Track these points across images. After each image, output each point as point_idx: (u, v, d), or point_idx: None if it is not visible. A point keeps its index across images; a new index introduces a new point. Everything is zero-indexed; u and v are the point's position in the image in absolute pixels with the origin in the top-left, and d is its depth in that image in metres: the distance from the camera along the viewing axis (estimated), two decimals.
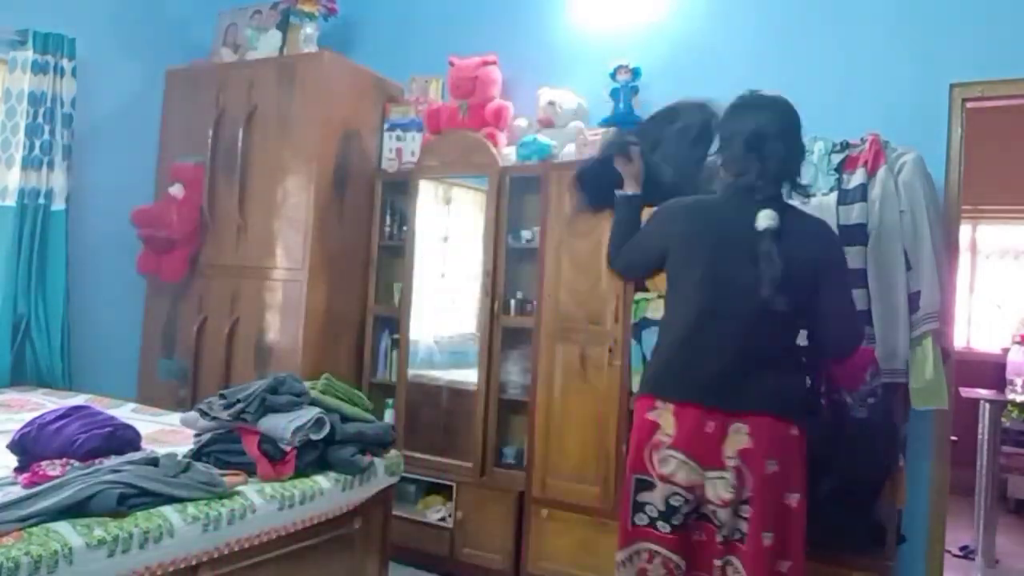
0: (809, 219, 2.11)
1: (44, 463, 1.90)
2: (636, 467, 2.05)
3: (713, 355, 1.98)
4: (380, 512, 2.51)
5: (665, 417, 1.99)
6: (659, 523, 2.00)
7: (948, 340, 2.69)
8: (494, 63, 3.61)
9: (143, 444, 2.16)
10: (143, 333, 4.01)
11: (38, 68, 3.46)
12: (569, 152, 3.35)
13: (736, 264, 1.96)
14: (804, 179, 2.28)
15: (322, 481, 2.21)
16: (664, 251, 2.10)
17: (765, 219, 1.95)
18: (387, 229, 3.83)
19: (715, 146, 2.15)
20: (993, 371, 5.37)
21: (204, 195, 3.75)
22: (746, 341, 1.97)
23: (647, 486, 2.02)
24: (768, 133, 2.02)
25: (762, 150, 2.01)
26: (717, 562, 1.99)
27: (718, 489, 1.94)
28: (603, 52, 3.57)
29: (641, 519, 2.04)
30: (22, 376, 3.46)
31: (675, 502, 1.99)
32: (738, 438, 1.94)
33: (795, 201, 2.18)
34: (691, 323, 2.01)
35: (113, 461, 1.89)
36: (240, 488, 2.02)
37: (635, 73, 3.42)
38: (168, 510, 1.80)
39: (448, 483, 3.40)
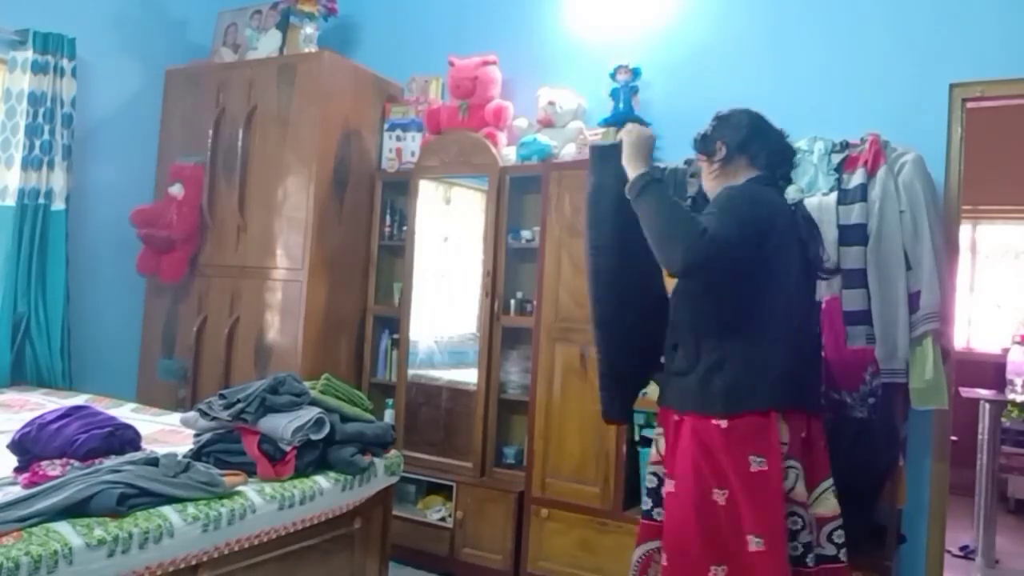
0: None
1: (44, 463, 1.90)
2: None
3: (804, 359, 1.95)
4: (380, 512, 2.51)
5: (780, 425, 1.84)
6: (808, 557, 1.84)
7: (948, 340, 2.69)
8: (494, 63, 3.61)
9: (143, 444, 2.16)
10: (143, 333, 4.01)
11: (38, 68, 3.46)
12: (569, 152, 3.35)
13: (797, 256, 1.97)
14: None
15: (322, 481, 2.21)
16: (763, 251, 1.86)
17: (796, 192, 2.09)
18: (387, 229, 3.83)
19: (709, 150, 2.11)
20: (993, 371, 5.37)
21: (204, 195, 3.75)
22: (813, 338, 2.03)
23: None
24: (762, 120, 2.12)
25: (766, 131, 2.10)
26: None
27: (831, 503, 1.92)
28: (603, 52, 3.57)
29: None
30: (22, 376, 3.47)
31: (793, 525, 1.83)
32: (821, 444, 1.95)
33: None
34: (783, 335, 1.89)
35: (113, 461, 1.89)
36: (240, 488, 2.02)
37: (635, 73, 3.42)
38: (168, 510, 1.80)
39: (448, 483, 3.40)
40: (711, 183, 2.08)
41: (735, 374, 1.84)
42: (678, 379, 1.93)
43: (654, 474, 2.01)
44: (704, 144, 2.12)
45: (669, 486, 1.90)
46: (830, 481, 1.92)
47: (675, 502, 1.87)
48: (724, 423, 1.81)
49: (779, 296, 1.87)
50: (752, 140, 2.03)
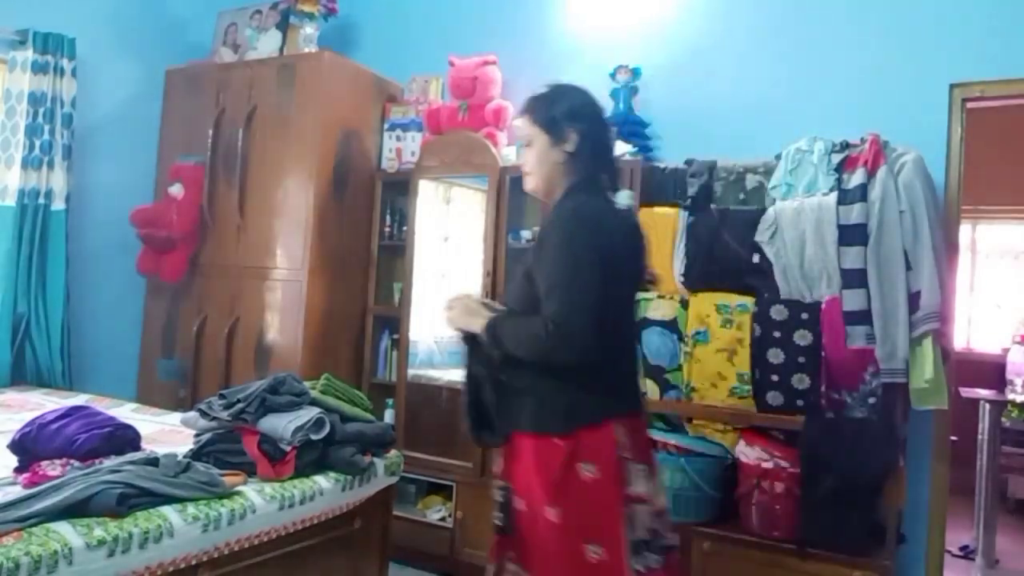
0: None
1: (44, 463, 1.90)
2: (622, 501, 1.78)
3: (631, 364, 2.04)
4: (380, 512, 2.51)
5: (620, 433, 1.80)
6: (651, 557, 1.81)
7: (948, 340, 2.70)
8: (494, 63, 3.61)
9: (143, 444, 2.16)
10: (143, 333, 4.01)
11: (38, 68, 3.46)
12: None
13: (632, 262, 1.99)
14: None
15: (322, 481, 2.21)
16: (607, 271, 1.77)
17: (627, 198, 2.06)
18: (387, 229, 3.83)
19: (556, 132, 1.91)
20: (993, 371, 5.37)
21: (204, 195, 3.75)
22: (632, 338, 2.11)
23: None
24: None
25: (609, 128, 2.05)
26: None
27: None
28: (603, 52, 3.57)
29: (641, 562, 1.77)
30: (22, 376, 3.47)
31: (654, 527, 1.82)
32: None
33: None
34: (621, 337, 1.91)
35: (113, 461, 1.89)
36: (240, 488, 2.02)
37: (635, 73, 3.42)
38: (168, 510, 1.80)
39: (448, 483, 3.40)
40: (538, 182, 1.93)
41: (575, 391, 1.77)
42: (517, 398, 1.84)
43: (501, 489, 1.91)
44: (551, 125, 1.89)
45: (519, 504, 1.84)
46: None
47: (526, 521, 1.83)
48: (562, 441, 1.75)
49: (614, 312, 1.80)
50: (599, 135, 1.90)
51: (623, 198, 1.86)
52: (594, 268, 1.72)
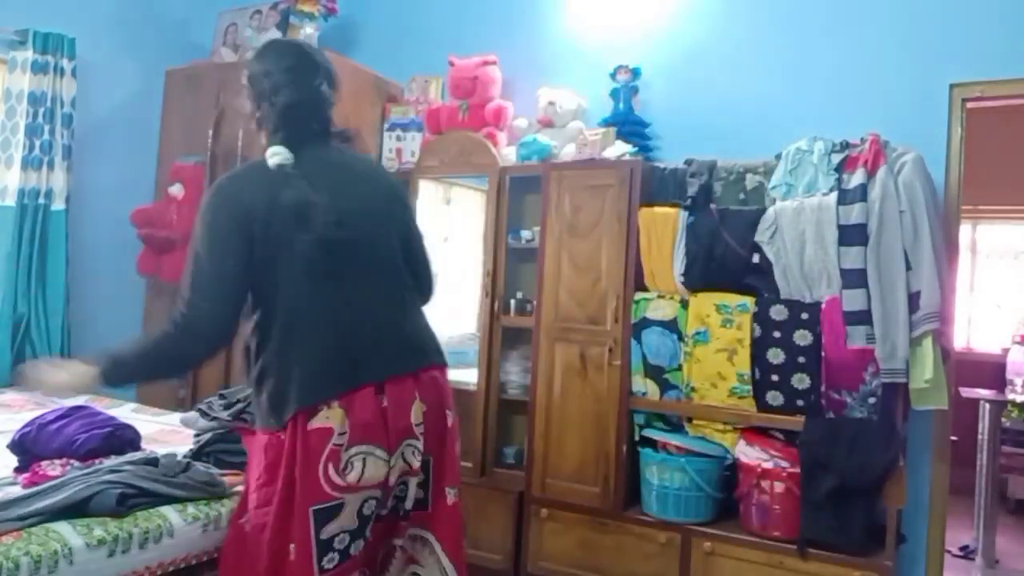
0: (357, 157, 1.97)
1: (44, 463, 1.90)
2: (312, 498, 1.63)
3: (359, 331, 1.78)
4: None
5: (335, 417, 1.65)
6: (352, 547, 1.69)
7: (948, 340, 2.70)
8: (494, 63, 3.61)
9: (143, 444, 2.16)
10: (143, 333, 4.00)
11: (38, 68, 3.46)
12: (569, 152, 3.35)
13: (291, 229, 1.76)
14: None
15: None
16: (251, 247, 1.74)
17: (274, 156, 1.77)
18: None
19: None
20: (993, 371, 5.37)
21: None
22: (377, 299, 1.83)
23: (334, 513, 1.65)
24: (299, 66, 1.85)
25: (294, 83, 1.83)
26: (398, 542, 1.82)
27: (409, 459, 1.74)
28: (603, 52, 3.57)
29: (332, 560, 1.65)
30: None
31: (368, 510, 1.70)
32: (418, 404, 1.76)
33: None
34: (322, 311, 1.76)
35: (113, 461, 1.89)
36: (240, 488, 2.01)
37: (635, 73, 3.42)
38: (168, 510, 1.80)
39: None
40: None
41: (275, 383, 1.68)
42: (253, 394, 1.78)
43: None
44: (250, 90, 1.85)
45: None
46: (405, 443, 1.72)
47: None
48: (283, 435, 1.66)
49: (294, 285, 1.69)
50: (267, 96, 1.79)
51: (273, 156, 1.72)
52: (225, 244, 1.67)
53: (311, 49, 1.94)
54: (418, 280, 1.94)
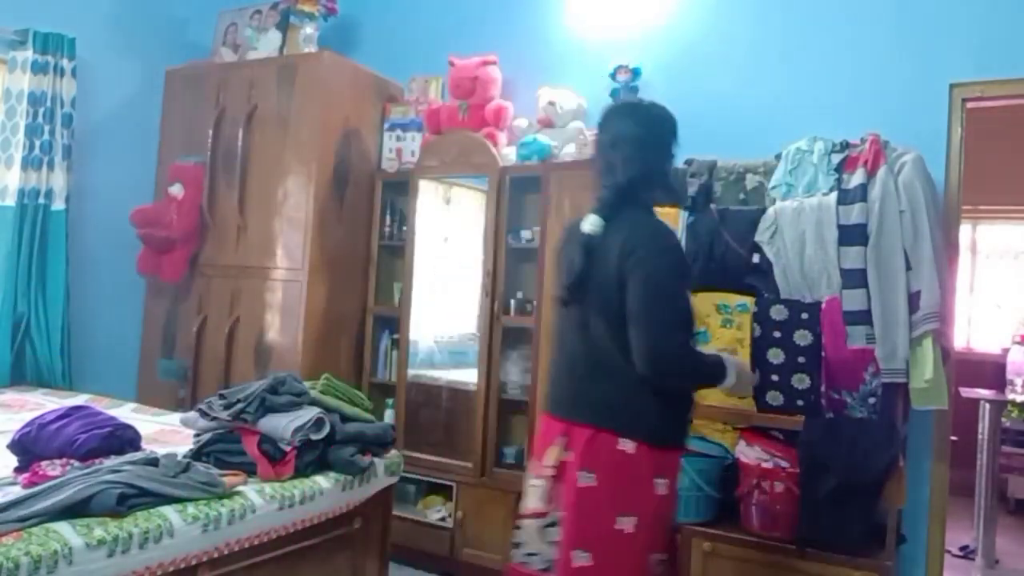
0: (645, 225, 1.92)
1: (44, 463, 1.90)
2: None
3: (555, 363, 2.01)
4: (380, 512, 2.51)
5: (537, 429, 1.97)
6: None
7: (948, 340, 2.69)
8: (494, 63, 3.61)
9: (143, 444, 2.16)
10: (143, 333, 4.01)
11: (38, 68, 3.46)
12: (569, 152, 3.35)
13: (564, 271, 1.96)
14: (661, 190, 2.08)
15: (322, 481, 2.21)
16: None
17: (587, 224, 1.88)
18: (387, 229, 3.83)
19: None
20: (993, 371, 5.37)
21: (204, 195, 3.75)
22: (572, 351, 1.92)
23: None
24: (621, 140, 1.95)
25: (609, 158, 1.95)
26: None
27: (529, 499, 1.84)
28: (603, 52, 3.57)
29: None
30: (22, 376, 3.47)
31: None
32: (559, 450, 1.83)
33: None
34: (553, 342, 2.06)
35: (113, 461, 1.89)
36: (240, 488, 2.02)
37: (635, 73, 3.42)
38: (168, 510, 1.80)
39: (448, 483, 3.40)
40: None
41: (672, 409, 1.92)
42: None
43: None
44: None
45: None
46: (533, 481, 1.89)
47: None
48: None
49: (558, 317, 2.02)
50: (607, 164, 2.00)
51: (585, 224, 1.92)
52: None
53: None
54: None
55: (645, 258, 1.81)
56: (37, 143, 3.46)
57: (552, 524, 1.79)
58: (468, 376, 3.51)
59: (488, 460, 3.38)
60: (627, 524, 1.76)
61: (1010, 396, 4.97)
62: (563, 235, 2.05)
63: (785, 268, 2.73)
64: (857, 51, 3.10)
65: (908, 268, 2.54)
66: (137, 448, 2.10)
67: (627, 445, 1.78)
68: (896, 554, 2.66)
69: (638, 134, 1.94)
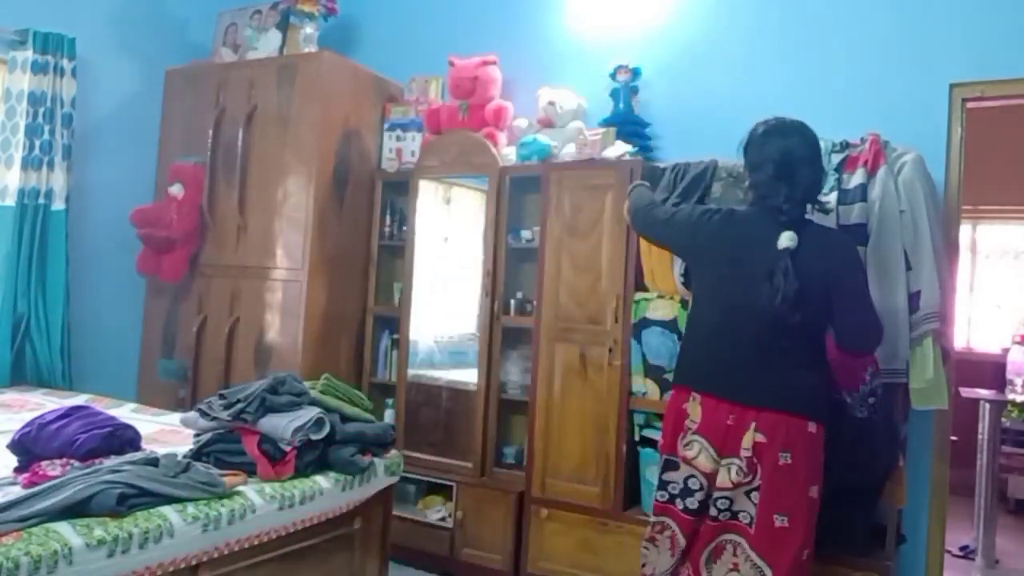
0: (828, 233, 2.30)
1: (44, 463, 1.90)
2: (665, 449, 2.30)
3: (731, 354, 2.20)
4: (380, 512, 2.51)
5: (693, 407, 2.22)
6: (677, 500, 2.24)
7: (948, 340, 2.69)
8: (494, 63, 3.61)
9: (143, 444, 2.16)
10: (143, 333, 4.01)
11: (38, 68, 3.46)
12: (569, 152, 3.35)
13: (755, 277, 2.13)
14: (823, 196, 2.41)
15: (322, 481, 2.21)
16: (687, 247, 2.42)
17: (786, 240, 2.12)
18: (387, 229, 3.83)
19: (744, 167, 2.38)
20: (993, 371, 5.37)
21: (204, 195, 3.75)
22: (759, 344, 2.15)
23: (673, 466, 2.26)
24: (796, 160, 2.19)
25: (792, 177, 2.17)
26: (713, 544, 2.19)
27: (731, 474, 2.12)
28: (603, 52, 3.57)
29: (663, 496, 2.28)
30: (22, 376, 3.47)
31: (692, 484, 2.20)
32: (753, 433, 2.11)
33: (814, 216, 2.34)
34: (715, 323, 2.25)
35: (113, 461, 1.89)
36: (240, 488, 2.02)
37: (635, 73, 3.42)
38: (168, 510, 1.80)
39: (448, 483, 3.40)
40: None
41: (680, 354, 2.41)
42: None
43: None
44: (742, 156, 2.41)
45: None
46: (730, 460, 2.14)
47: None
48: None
49: (715, 301, 2.28)
50: (773, 184, 2.23)
51: (783, 239, 2.23)
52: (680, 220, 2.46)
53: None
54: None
55: (853, 263, 2.23)
56: (37, 143, 3.46)
57: (754, 490, 2.11)
58: (468, 376, 3.51)
59: (488, 460, 3.38)
60: (814, 491, 2.13)
61: (1010, 396, 4.97)
62: (722, 219, 2.30)
63: None
64: (857, 51, 3.10)
65: (908, 268, 2.54)
66: (137, 448, 2.10)
67: (812, 427, 2.13)
68: (896, 554, 2.66)
69: (811, 155, 2.23)
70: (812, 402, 2.16)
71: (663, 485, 2.28)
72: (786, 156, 2.18)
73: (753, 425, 2.11)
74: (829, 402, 2.26)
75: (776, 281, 2.08)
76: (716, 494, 2.16)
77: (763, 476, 2.10)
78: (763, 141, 2.25)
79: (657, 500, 2.30)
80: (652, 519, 2.32)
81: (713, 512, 2.18)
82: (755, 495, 2.11)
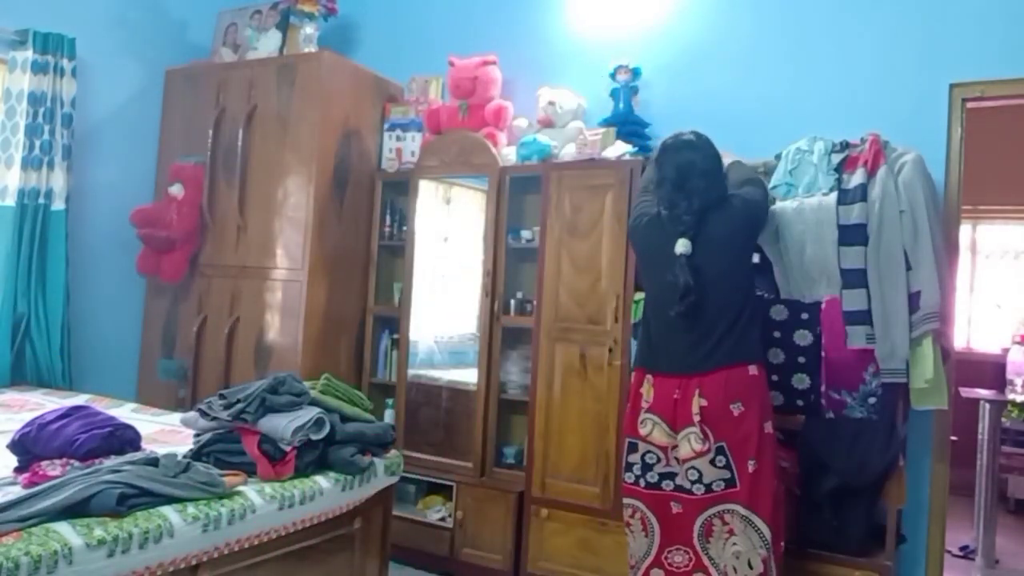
0: (729, 203, 2.45)
1: (44, 463, 1.90)
2: (627, 431, 2.47)
3: (668, 334, 2.42)
4: (380, 512, 2.51)
5: (647, 388, 2.42)
6: (640, 480, 2.42)
7: (948, 340, 2.69)
8: (494, 63, 3.61)
9: (143, 444, 2.16)
10: (143, 333, 4.01)
11: (38, 68, 3.46)
12: (569, 152, 3.35)
13: (669, 274, 2.37)
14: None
15: (322, 481, 2.21)
16: (636, 252, 2.69)
17: (681, 247, 2.36)
18: (387, 229, 3.83)
19: (649, 181, 2.61)
20: (993, 371, 5.37)
21: (204, 195, 3.75)
22: (687, 322, 2.35)
23: (633, 448, 2.44)
24: (691, 173, 2.40)
25: (687, 188, 2.39)
26: (700, 522, 2.33)
27: (691, 443, 2.29)
28: (603, 52, 3.57)
29: (629, 477, 2.46)
30: (22, 376, 3.46)
31: (649, 459, 2.40)
32: (698, 399, 2.29)
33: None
34: (653, 311, 2.49)
35: (113, 461, 1.89)
36: (240, 488, 2.01)
37: (635, 73, 3.42)
38: (168, 510, 1.80)
39: (448, 483, 3.40)
40: None
41: (637, 343, 2.60)
42: None
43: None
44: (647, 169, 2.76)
45: None
46: (686, 430, 2.30)
47: None
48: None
49: (651, 297, 2.53)
50: (673, 195, 2.44)
51: (679, 246, 2.46)
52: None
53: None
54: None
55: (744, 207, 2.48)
56: (37, 143, 3.46)
57: (718, 454, 2.27)
58: (468, 376, 3.51)
59: (488, 460, 3.38)
60: (769, 427, 2.33)
61: (1010, 396, 4.97)
62: (641, 232, 2.54)
63: (785, 268, 2.74)
64: (857, 51, 3.10)
65: (908, 268, 2.54)
66: (137, 448, 2.10)
67: (753, 369, 2.33)
68: (896, 554, 2.66)
69: (706, 166, 2.43)
70: (745, 348, 2.35)
71: (628, 467, 2.45)
72: (680, 171, 2.40)
73: (697, 392, 2.29)
74: (761, 343, 2.46)
75: (675, 279, 2.33)
76: (686, 466, 2.32)
77: (724, 434, 2.27)
78: (661, 159, 2.49)
79: (625, 483, 2.47)
80: (624, 503, 2.48)
81: (686, 486, 2.33)
82: (720, 459, 2.28)
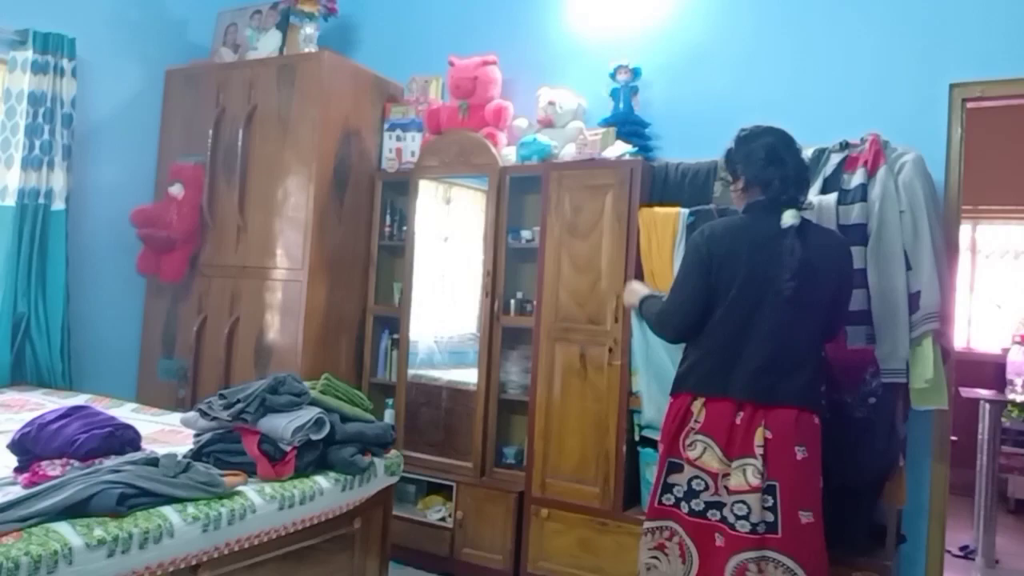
0: (830, 234, 2.35)
1: (44, 463, 1.90)
2: (667, 452, 2.27)
3: (744, 356, 2.17)
4: (380, 512, 2.51)
5: (698, 408, 2.21)
6: (683, 504, 2.21)
7: (948, 340, 2.69)
8: (494, 63, 3.61)
9: (143, 444, 2.16)
10: (143, 333, 4.01)
11: (38, 68, 3.46)
12: (569, 152, 3.35)
13: (769, 272, 2.16)
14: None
15: (322, 481, 2.21)
16: (709, 284, 2.22)
17: (789, 217, 2.17)
18: (387, 229, 3.83)
19: (732, 174, 2.37)
20: (993, 371, 5.37)
21: (204, 195, 3.75)
22: (771, 343, 2.16)
23: (676, 468, 2.23)
24: (779, 148, 2.26)
25: (781, 160, 2.24)
26: (736, 562, 2.10)
27: (746, 476, 2.10)
28: (603, 52, 3.57)
29: (668, 499, 2.25)
30: (22, 376, 3.46)
31: (697, 485, 2.18)
32: (763, 430, 2.12)
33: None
34: (729, 331, 2.20)
35: (113, 461, 1.89)
36: (240, 488, 2.02)
37: (635, 73, 3.42)
38: (168, 510, 1.80)
39: (448, 483, 3.40)
40: (735, 202, 2.39)
41: (680, 368, 2.31)
42: None
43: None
44: (727, 166, 2.39)
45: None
46: (744, 460, 2.12)
47: None
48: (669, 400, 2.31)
49: (719, 307, 2.21)
50: (767, 170, 2.23)
51: (786, 217, 2.18)
52: (687, 272, 2.27)
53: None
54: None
55: (851, 270, 2.38)
56: (37, 143, 3.46)
57: (766, 493, 2.09)
58: (468, 376, 3.51)
59: (488, 460, 3.38)
60: (820, 482, 2.18)
61: (1010, 396, 4.97)
62: (719, 236, 2.24)
63: None
64: (857, 51, 3.10)
65: (908, 268, 2.54)
66: (137, 448, 2.09)
67: (817, 420, 2.19)
68: (896, 554, 2.66)
69: (792, 143, 2.30)
70: (817, 397, 2.22)
71: (667, 488, 2.24)
72: (770, 146, 2.27)
73: (763, 423, 2.12)
74: (826, 399, 2.32)
75: (785, 260, 2.13)
76: (733, 499, 2.10)
77: (780, 474, 2.09)
78: (746, 140, 2.35)
79: (662, 504, 2.24)
80: (653, 524, 2.25)
81: (731, 519, 2.10)
82: (768, 499, 2.08)
